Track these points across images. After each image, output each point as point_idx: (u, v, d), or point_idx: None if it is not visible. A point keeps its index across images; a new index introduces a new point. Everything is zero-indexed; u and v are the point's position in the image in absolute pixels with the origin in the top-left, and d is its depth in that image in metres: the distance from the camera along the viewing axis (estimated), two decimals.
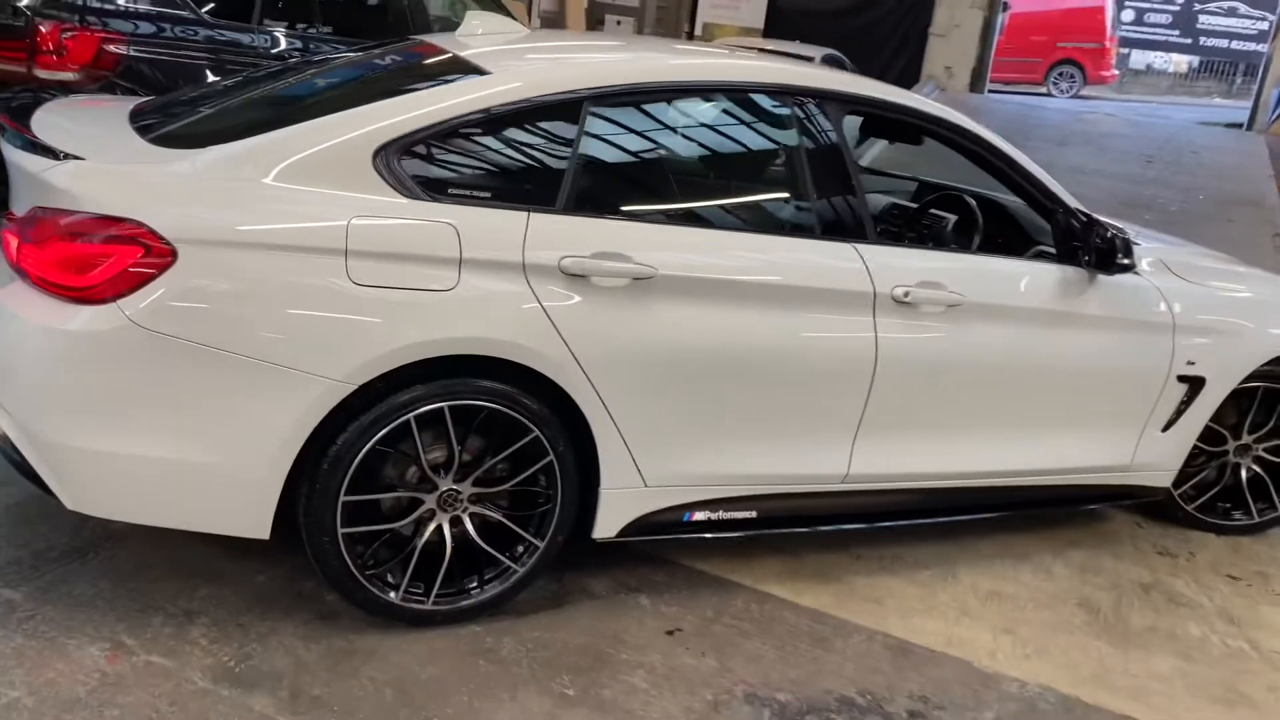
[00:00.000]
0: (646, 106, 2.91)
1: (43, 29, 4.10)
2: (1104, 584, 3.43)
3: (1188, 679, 2.96)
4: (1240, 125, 14.88)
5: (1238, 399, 3.71)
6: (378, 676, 2.51)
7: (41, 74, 4.11)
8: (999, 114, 13.75)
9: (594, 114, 2.74)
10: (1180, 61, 26.17)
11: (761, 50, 12.02)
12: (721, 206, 3.05)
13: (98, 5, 4.33)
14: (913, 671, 2.82)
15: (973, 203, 3.62)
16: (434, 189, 2.54)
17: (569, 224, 2.63)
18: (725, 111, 3.11)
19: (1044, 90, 21.75)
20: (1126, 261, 3.21)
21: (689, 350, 2.75)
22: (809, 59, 11.95)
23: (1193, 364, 3.49)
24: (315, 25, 5.23)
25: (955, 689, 2.77)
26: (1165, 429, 3.56)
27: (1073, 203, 3.33)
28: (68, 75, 4.15)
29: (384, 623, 2.68)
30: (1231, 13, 20.85)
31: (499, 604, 2.76)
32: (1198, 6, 23.10)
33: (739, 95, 3.09)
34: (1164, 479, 3.67)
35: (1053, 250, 3.35)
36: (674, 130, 3.02)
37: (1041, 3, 24.01)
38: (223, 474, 2.43)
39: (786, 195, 3.15)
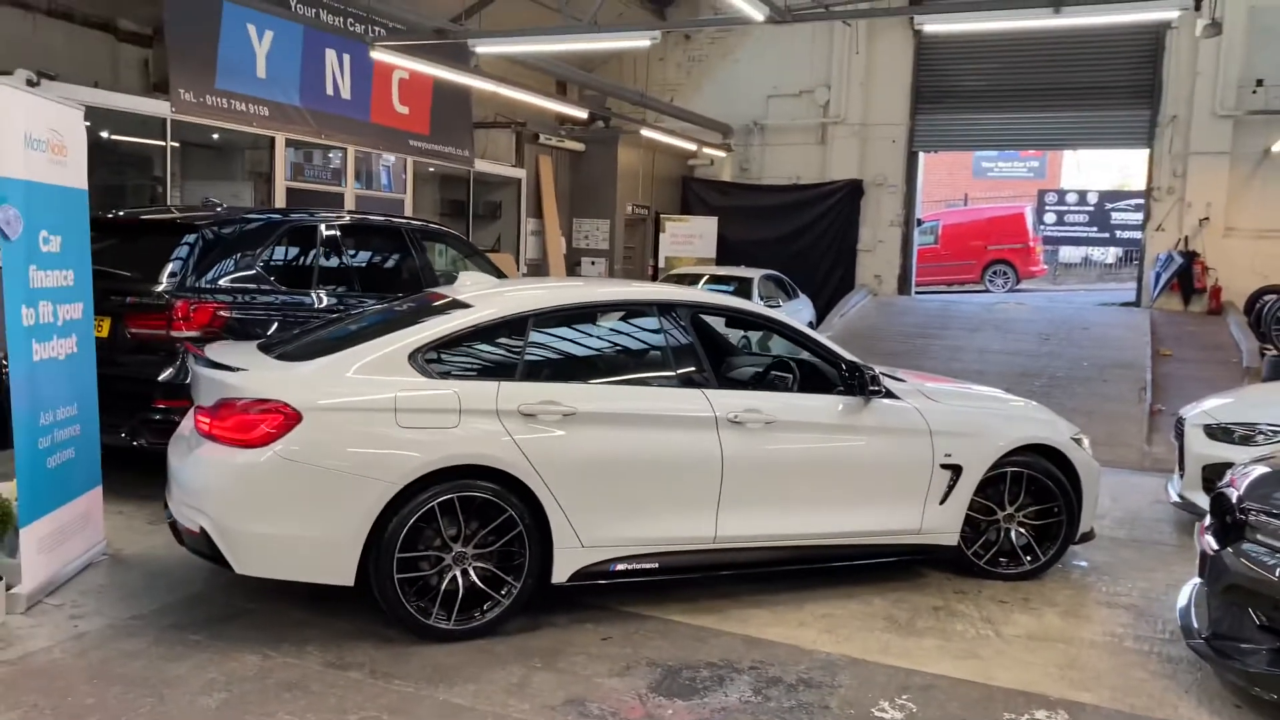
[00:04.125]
0: (567, 317, 4.88)
1: (177, 304, 6.16)
2: (907, 608, 5.07)
3: (943, 649, 4.58)
4: (1133, 303, 17.12)
5: (998, 482, 5.47)
6: (424, 663, 4.16)
7: (175, 334, 6.13)
8: (921, 311, 15.99)
9: (535, 325, 4.68)
10: (1111, 253, 29.13)
11: (710, 275, 14.30)
12: (618, 373, 4.97)
13: (209, 286, 6.41)
14: (757, 651, 4.45)
15: (793, 364, 5.52)
16: (444, 372, 4.43)
17: (522, 387, 4.50)
18: (619, 318, 5.08)
19: (982, 288, 24.31)
20: (875, 389, 5.08)
21: (603, 457, 4.56)
22: (749, 279, 14.28)
23: (950, 455, 5.27)
24: (355, 287, 7.31)
25: (784, 657, 4.39)
26: (942, 503, 5.30)
27: (849, 356, 5.23)
28: (193, 333, 6.17)
29: (423, 641, 4.33)
30: (1139, 208, 23.57)
31: (496, 626, 4.43)
32: (1109, 206, 26.01)
33: (626, 308, 5.09)
34: (949, 539, 5.37)
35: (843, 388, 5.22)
36: (587, 330, 4.97)
37: (971, 214, 27.02)
38: (326, 543, 4.18)
39: (658, 363, 5.05)
